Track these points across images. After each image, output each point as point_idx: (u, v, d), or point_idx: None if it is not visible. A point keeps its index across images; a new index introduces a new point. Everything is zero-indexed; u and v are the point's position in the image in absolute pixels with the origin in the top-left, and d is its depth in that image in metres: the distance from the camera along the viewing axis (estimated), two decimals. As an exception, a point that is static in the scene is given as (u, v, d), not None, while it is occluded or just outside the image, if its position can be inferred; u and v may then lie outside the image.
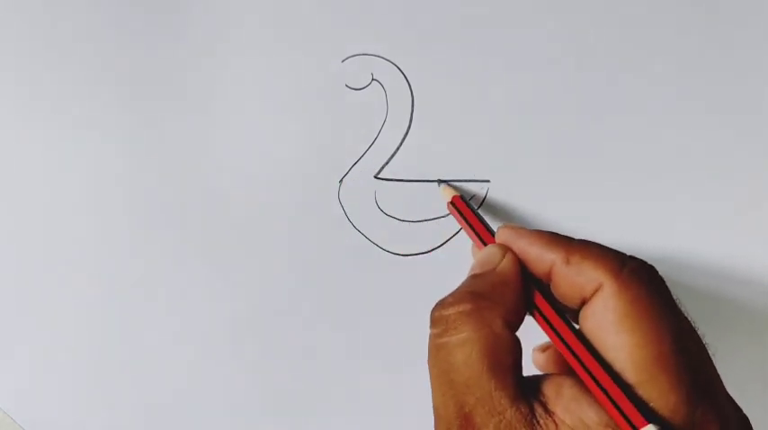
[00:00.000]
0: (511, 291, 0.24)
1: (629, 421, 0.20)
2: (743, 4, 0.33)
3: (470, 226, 0.29)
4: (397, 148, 0.34)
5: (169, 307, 0.35)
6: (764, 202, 0.33)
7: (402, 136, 0.34)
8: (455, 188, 0.32)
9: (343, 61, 0.34)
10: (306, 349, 0.34)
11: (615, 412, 0.20)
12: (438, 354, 0.23)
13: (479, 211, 0.32)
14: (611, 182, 0.33)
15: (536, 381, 0.23)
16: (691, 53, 0.33)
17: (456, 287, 0.25)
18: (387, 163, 0.34)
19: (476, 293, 0.24)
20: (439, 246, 0.34)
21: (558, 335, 0.23)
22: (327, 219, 0.34)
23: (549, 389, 0.22)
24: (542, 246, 0.24)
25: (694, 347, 0.22)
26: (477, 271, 0.25)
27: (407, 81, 0.33)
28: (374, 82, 0.34)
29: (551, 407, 0.21)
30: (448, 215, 0.33)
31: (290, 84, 0.34)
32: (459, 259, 0.33)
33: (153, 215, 0.34)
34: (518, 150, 0.33)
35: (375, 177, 0.34)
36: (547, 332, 0.23)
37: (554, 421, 0.21)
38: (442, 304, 0.24)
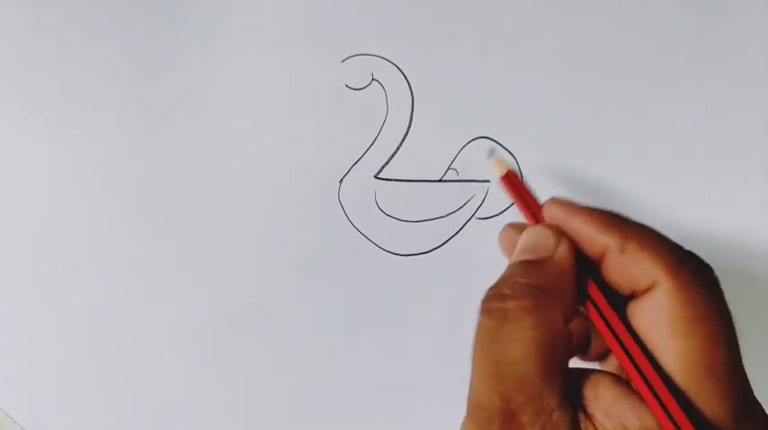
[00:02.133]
0: (569, 283, 0.22)
1: (678, 428, 0.19)
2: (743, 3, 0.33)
3: (525, 204, 0.26)
4: (397, 148, 0.34)
5: (169, 307, 0.35)
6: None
7: (402, 136, 0.34)
8: (506, 161, 0.29)
9: (343, 61, 0.34)
10: (306, 349, 0.34)
11: (665, 419, 0.19)
12: (492, 346, 0.21)
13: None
14: (612, 181, 0.33)
15: (577, 381, 0.22)
16: (688, 54, 0.33)
17: (505, 270, 0.23)
18: (387, 163, 0.34)
19: (537, 287, 0.22)
20: (439, 246, 0.34)
21: (614, 333, 0.21)
22: (327, 219, 0.34)
23: (587, 391, 0.21)
24: (596, 228, 0.22)
25: (740, 356, 0.21)
26: (530, 256, 0.23)
27: (407, 81, 0.33)
28: (374, 82, 0.34)
29: (591, 410, 0.21)
30: (448, 215, 0.33)
31: (290, 84, 0.34)
32: (460, 259, 0.33)
33: (153, 215, 0.34)
34: (518, 150, 0.33)
35: (375, 177, 0.34)
36: (599, 326, 0.22)
37: (594, 426, 0.20)
38: (500, 296, 0.22)
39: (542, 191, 0.33)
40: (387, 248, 0.34)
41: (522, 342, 0.21)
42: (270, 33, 0.34)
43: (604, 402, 0.21)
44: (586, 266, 0.23)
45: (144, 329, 0.35)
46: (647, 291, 0.21)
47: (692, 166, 0.33)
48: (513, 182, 0.27)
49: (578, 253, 0.23)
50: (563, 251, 0.23)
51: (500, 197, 0.33)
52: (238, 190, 0.34)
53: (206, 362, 0.35)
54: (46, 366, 0.35)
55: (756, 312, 0.33)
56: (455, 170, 0.33)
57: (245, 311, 0.34)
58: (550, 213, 0.24)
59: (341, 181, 0.34)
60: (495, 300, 0.22)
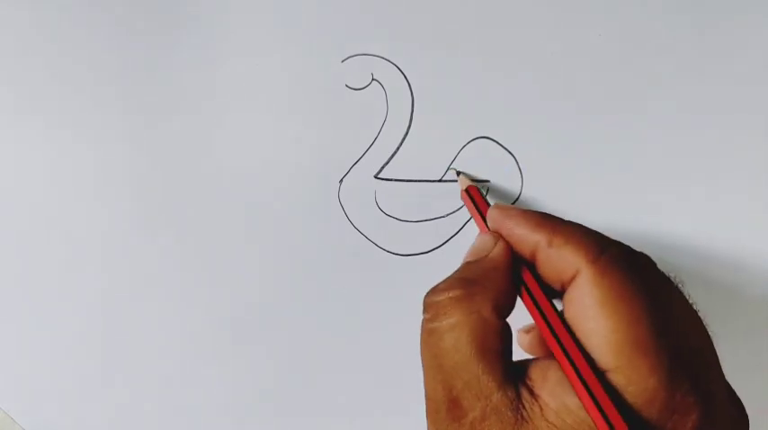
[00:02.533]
0: (501, 276, 0.24)
1: (600, 409, 0.20)
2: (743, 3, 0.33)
3: (480, 214, 0.29)
4: (397, 148, 0.34)
5: (169, 307, 0.35)
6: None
7: (402, 136, 0.34)
8: (471, 179, 0.33)
9: (343, 61, 0.34)
10: (305, 349, 0.34)
11: (587, 397, 0.20)
12: (429, 339, 0.23)
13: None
14: (612, 181, 0.33)
15: (524, 366, 0.23)
16: (688, 54, 0.33)
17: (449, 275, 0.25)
18: (387, 163, 0.34)
19: (466, 279, 0.24)
20: (439, 246, 0.34)
21: (542, 313, 0.23)
22: (327, 219, 0.34)
23: (535, 373, 0.22)
24: (528, 227, 0.24)
25: (681, 328, 0.21)
26: (471, 258, 0.26)
27: (407, 81, 0.33)
28: (374, 82, 0.34)
29: (537, 390, 0.21)
30: (448, 215, 0.33)
31: (290, 84, 0.34)
32: (459, 259, 0.33)
33: (153, 215, 0.34)
34: (518, 150, 0.33)
35: (375, 177, 0.34)
36: (531, 311, 0.24)
37: (539, 405, 0.21)
38: (433, 290, 0.24)
39: (542, 190, 0.33)
40: (387, 248, 0.34)
41: (452, 330, 0.22)
42: (270, 33, 0.34)
43: (550, 383, 0.21)
44: (525, 265, 0.24)
45: (144, 329, 0.35)
46: (572, 281, 0.22)
47: (691, 166, 0.33)
48: (472, 195, 0.30)
49: (517, 255, 0.25)
50: (497, 249, 0.25)
51: (500, 197, 0.33)
52: (238, 190, 0.34)
53: (206, 362, 0.35)
54: (46, 366, 0.35)
55: (757, 312, 0.33)
56: (455, 170, 0.33)
57: (245, 311, 0.34)
58: (491, 216, 0.26)
59: (341, 181, 0.34)
60: (430, 294, 0.24)
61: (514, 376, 0.22)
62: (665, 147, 0.33)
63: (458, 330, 0.22)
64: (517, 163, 0.33)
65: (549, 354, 0.22)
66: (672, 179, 0.33)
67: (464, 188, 0.31)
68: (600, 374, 0.21)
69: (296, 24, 0.34)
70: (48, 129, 0.34)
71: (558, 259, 0.23)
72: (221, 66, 0.34)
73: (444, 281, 0.24)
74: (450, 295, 0.23)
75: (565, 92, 0.33)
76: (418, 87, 0.33)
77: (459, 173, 0.33)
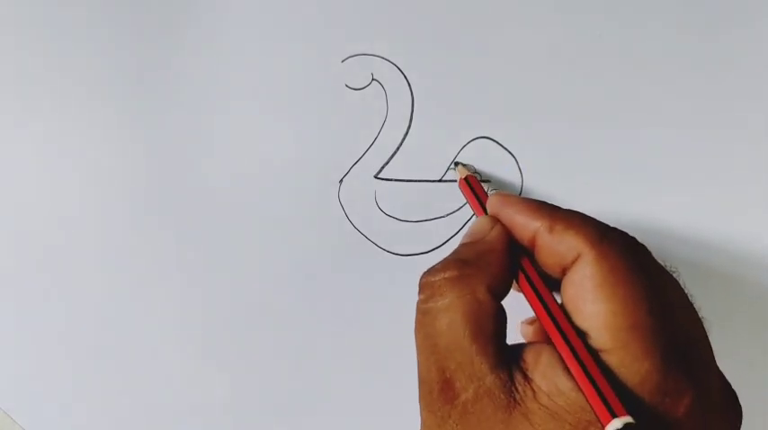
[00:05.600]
0: (497, 258, 0.24)
1: (596, 387, 0.20)
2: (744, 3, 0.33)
3: (479, 202, 0.29)
4: (397, 148, 0.34)
5: (168, 307, 0.35)
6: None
7: (402, 136, 0.34)
8: (465, 168, 0.33)
9: (343, 61, 0.34)
10: (305, 349, 0.34)
11: (582, 375, 0.20)
12: (423, 320, 0.24)
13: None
14: (612, 181, 0.33)
15: (518, 349, 0.23)
16: (688, 54, 0.33)
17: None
18: (387, 163, 0.34)
19: (462, 261, 0.24)
20: (439, 246, 0.34)
21: (538, 295, 0.23)
22: (327, 219, 0.34)
23: (528, 356, 0.22)
24: (528, 214, 0.24)
25: (676, 315, 0.22)
26: (467, 240, 0.26)
27: (407, 81, 0.33)
28: (374, 82, 0.34)
29: (530, 373, 0.21)
30: (448, 215, 0.33)
31: (290, 84, 0.34)
32: (460, 259, 0.33)
33: (152, 215, 0.34)
34: (518, 150, 0.33)
35: (375, 177, 0.34)
36: (527, 294, 0.24)
37: (531, 388, 0.21)
38: (429, 271, 0.24)
39: (542, 191, 0.33)
40: (387, 248, 0.34)
41: (447, 311, 0.23)
42: (270, 33, 0.34)
43: (542, 366, 0.21)
44: (522, 251, 0.25)
45: (144, 329, 0.35)
46: (573, 264, 0.22)
47: (692, 166, 0.33)
48: (471, 184, 0.30)
49: (515, 240, 0.25)
50: (494, 232, 0.25)
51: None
52: (238, 189, 0.34)
53: (206, 362, 0.35)
54: (46, 366, 0.35)
55: (755, 305, 0.33)
56: (454, 170, 0.33)
57: (244, 311, 0.34)
58: (491, 204, 0.27)
59: (341, 181, 0.34)
60: (425, 275, 0.24)
61: (508, 359, 0.22)
62: (664, 146, 0.33)
63: (452, 311, 0.22)
64: (517, 163, 0.33)
65: (548, 341, 0.22)
66: (672, 179, 0.33)
67: (463, 177, 0.31)
68: (594, 353, 0.21)
69: (296, 24, 0.34)
70: (46, 129, 0.34)
71: (560, 243, 0.23)
72: (221, 66, 0.34)
73: (440, 262, 0.24)
74: (446, 275, 0.23)
75: (565, 92, 0.33)
76: (418, 87, 0.33)
77: (457, 164, 0.33)
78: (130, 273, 0.35)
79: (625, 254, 0.22)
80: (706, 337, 0.22)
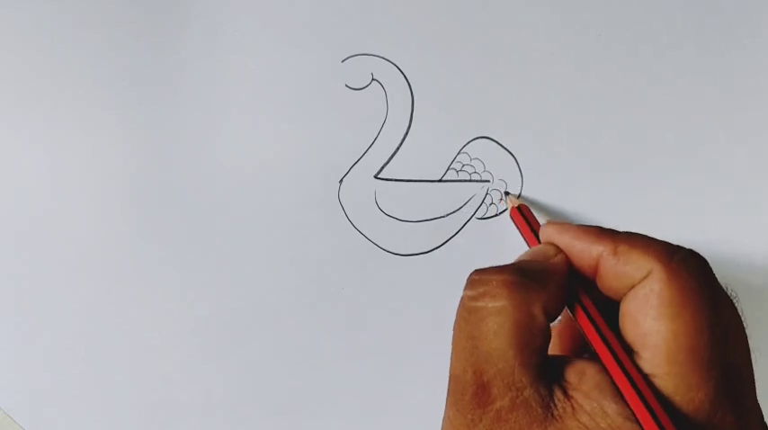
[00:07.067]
0: (557, 283, 0.23)
1: (655, 417, 0.19)
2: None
3: (532, 230, 0.29)
4: (397, 148, 0.34)
5: (169, 307, 0.35)
6: None
7: (402, 136, 0.34)
8: (514, 197, 0.33)
9: (343, 61, 0.34)
10: (306, 349, 0.34)
11: (638, 402, 0.20)
12: (469, 317, 0.22)
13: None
14: (612, 181, 0.33)
15: (559, 365, 0.22)
16: (688, 54, 0.33)
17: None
18: (387, 163, 0.34)
19: (524, 270, 0.23)
20: (439, 246, 0.34)
21: (596, 327, 0.22)
22: (327, 219, 0.34)
23: (571, 375, 0.22)
24: (587, 240, 0.24)
25: (733, 346, 0.21)
26: (528, 258, 0.25)
27: (407, 81, 0.33)
28: (374, 82, 0.34)
29: (571, 392, 0.21)
30: (448, 215, 0.33)
31: (290, 84, 0.34)
32: (459, 259, 0.33)
33: (152, 215, 0.34)
34: (518, 150, 0.33)
35: (375, 177, 0.34)
36: (584, 325, 0.23)
37: (571, 405, 0.21)
38: (484, 270, 0.23)
39: (542, 191, 0.33)
40: (387, 248, 0.34)
41: (498, 314, 0.22)
42: (270, 33, 0.34)
43: (587, 386, 0.21)
44: (580, 281, 0.24)
45: (144, 329, 0.35)
46: (641, 281, 0.22)
47: (692, 166, 0.33)
48: (524, 213, 0.30)
49: (574, 270, 0.24)
50: (559, 258, 0.24)
51: (500, 197, 0.33)
52: (238, 190, 0.34)
53: (206, 362, 0.35)
54: (46, 366, 0.35)
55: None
56: (455, 169, 0.33)
57: (244, 311, 0.34)
58: (546, 233, 0.26)
59: (341, 181, 0.34)
60: (480, 272, 0.23)
61: (549, 375, 0.22)
62: (664, 146, 0.33)
63: (503, 316, 0.21)
64: (517, 163, 0.33)
65: (572, 352, 0.22)
66: (672, 179, 0.33)
67: (516, 206, 0.31)
68: (646, 378, 0.20)
69: (296, 24, 0.34)
70: (46, 130, 0.34)
71: (626, 264, 0.22)
72: (221, 66, 0.34)
73: (497, 266, 0.23)
74: (504, 278, 0.22)
75: (565, 92, 0.33)
76: (418, 87, 0.33)
77: (507, 194, 0.33)
78: (131, 272, 0.35)
79: (696, 275, 0.21)
80: (751, 365, 0.22)
